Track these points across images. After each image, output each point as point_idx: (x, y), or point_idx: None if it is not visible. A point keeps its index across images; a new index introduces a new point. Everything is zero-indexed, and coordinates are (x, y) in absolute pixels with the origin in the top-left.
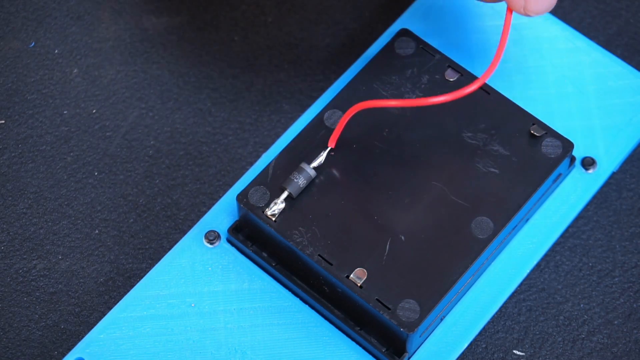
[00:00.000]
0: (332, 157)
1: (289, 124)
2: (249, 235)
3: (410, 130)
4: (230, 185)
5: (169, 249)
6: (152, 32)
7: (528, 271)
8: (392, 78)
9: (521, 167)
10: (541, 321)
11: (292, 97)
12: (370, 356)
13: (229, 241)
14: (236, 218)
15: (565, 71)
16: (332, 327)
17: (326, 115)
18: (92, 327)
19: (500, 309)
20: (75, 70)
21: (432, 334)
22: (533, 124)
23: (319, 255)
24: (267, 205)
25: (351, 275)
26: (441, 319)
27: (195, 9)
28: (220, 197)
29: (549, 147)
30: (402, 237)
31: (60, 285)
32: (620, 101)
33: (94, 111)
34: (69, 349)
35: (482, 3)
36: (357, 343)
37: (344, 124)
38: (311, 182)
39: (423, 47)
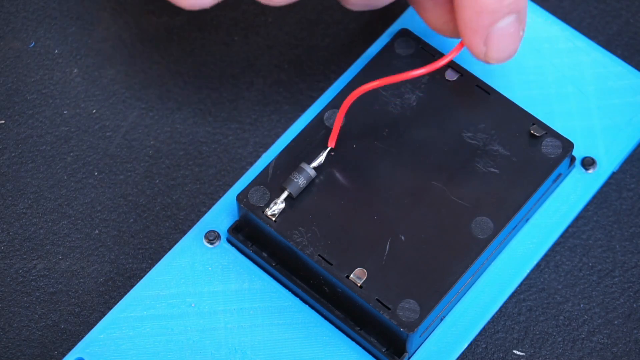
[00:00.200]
0: (332, 157)
1: (289, 124)
2: (249, 235)
3: (410, 130)
4: (230, 185)
5: (169, 249)
6: (152, 32)
7: (528, 271)
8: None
9: (521, 167)
10: (541, 321)
11: (292, 97)
12: (370, 356)
13: (229, 241)
14: (236, 218)
15: (565, 71)
16: (332, 327)
17: (326, 115)
18: (92, 327)
19: (500, 309)
20: (75, 70)
21: (432, 334)
22: (533, 124)
23: (319, 255)
24: (267, 205)
25: (351, 275)
26: (441, 319)
27: None
28: (220, 197)
29: (549, 147)
30: (402, 237)
31: (60, 285)
32: (620, 101)
33: (94, 111)
34: (69, 349)
35: None
36: (357, 343)
37: (341, 119)
38: (311, 182)
39: (423, 47)
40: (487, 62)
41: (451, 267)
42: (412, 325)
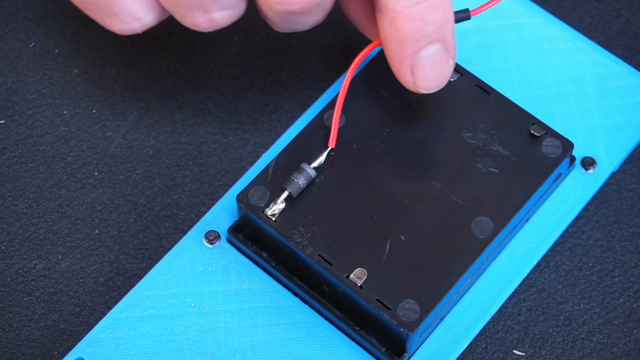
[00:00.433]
0: (332, 157)
1: (289, 124)
2: (249, 235)
3: (410, 130)
4: (230, 185)
5: (169, 249)
6: (152, 32)
7: (528, 271)
8: (392, 78)
9: (521, 167)
10: (541, 321)
11: (292, 97)
12: (370, 356)
13: (229, 241)
14: (236, 218)
15: (565, 71)
16: (332, 327)
17: (326, 115)
18: (92, 327)
19: (500, 309)
20: (75, 70)
21: (432, 334)
22: (533, 124)
23: (319, 255)
24: (267, 205)
25: (351, 275)
26: (441, 319)
27: None
28: (220, 197)
29: (549, 147)
30: (402, 237)
31: (60, 285)
32: (620, 101)
33: (94, 111)
34: (69, 349)
35: (481, 2)
36: (357, 343)
37: (339, 117)
38: (311, 182)
39: None
40: (418, 92)
41: (451, 267)
42: (412, 325)
